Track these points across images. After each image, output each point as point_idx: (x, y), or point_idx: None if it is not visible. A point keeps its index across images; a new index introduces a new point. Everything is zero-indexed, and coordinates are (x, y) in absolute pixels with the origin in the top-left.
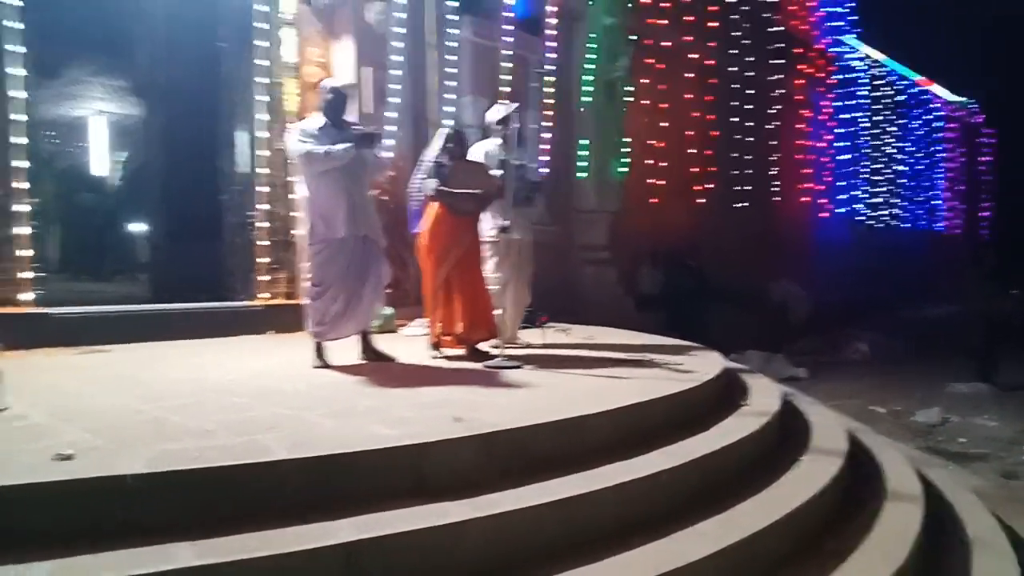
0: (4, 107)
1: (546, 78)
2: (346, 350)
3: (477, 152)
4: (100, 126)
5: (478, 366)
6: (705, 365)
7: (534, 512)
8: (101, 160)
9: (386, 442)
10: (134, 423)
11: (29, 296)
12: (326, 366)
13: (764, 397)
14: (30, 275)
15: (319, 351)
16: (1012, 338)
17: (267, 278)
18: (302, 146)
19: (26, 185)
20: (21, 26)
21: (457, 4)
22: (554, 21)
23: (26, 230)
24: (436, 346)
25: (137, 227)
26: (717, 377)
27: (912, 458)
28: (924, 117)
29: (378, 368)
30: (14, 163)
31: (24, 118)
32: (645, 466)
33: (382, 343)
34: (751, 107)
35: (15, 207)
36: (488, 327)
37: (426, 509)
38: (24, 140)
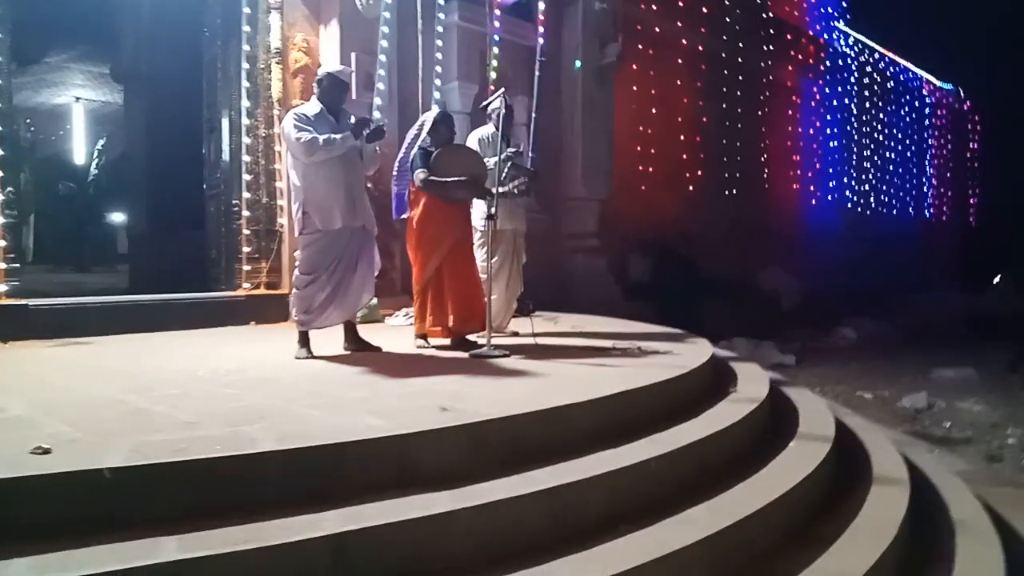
0: None
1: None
2: (330, 340)
3: (471, 140)
4: (80, 113)
5: (464, 355)
6: (693, 353)
7: (522, 502)
8: (81, 148)
9: (376, 432)
10: (116, 415)
11: (5, 287)
12: (310, 356)
13: (752, 384)
14: (6, 266)
15: (303, 341)
16: None
17: (249, 268)
18: (301, 133)
19: (0, 173)
20: None
21: None
22: (543, 6)
23: (1, 219)
24: (423, 336)
25: (118, 216)
26: (705, 364)
27: (898, 442)
28: (913, 104)
29: (364, 358)
30: None
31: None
32: (633, 454)
33: (367, 333)
34: (741, 93)
35: None
36: (479, 319)
37: (413, 500)
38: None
